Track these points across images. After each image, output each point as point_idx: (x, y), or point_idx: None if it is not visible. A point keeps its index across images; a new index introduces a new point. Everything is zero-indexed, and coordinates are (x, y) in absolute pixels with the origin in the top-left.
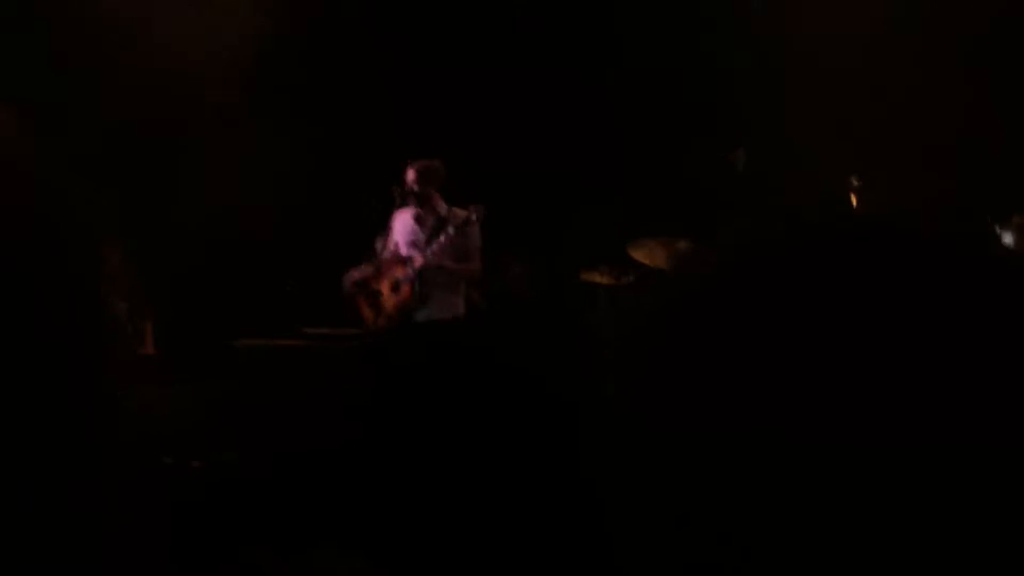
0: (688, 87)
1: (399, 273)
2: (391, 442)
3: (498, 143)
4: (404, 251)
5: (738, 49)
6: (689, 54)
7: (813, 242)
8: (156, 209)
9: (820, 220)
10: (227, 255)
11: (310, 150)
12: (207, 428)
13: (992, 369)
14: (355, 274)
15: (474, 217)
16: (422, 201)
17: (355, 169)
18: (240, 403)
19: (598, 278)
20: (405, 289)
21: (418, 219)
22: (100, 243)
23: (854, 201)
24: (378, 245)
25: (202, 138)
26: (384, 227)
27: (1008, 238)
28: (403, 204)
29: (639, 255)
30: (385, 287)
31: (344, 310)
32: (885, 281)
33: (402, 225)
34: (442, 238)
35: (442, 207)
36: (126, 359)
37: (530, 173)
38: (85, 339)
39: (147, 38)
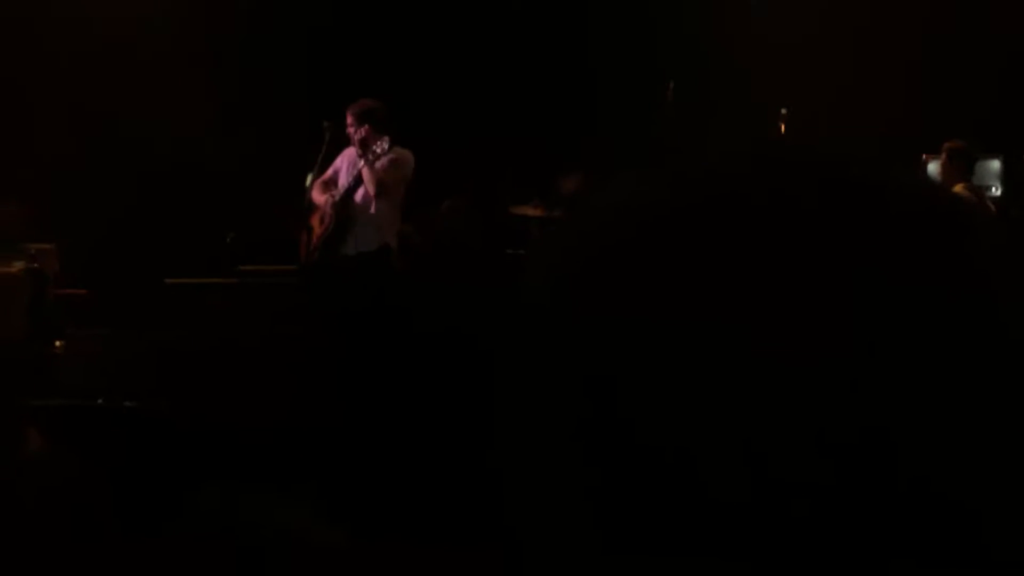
0: (620, 20)
1: (320, 200)
2: (321, 379)
3: (431, 82)
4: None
5: None
6: None
7: (745, 177)
8: (90, 152)
9: (755, 156)
10: (161, 196)
11: (244, 91)
12: (141, 369)
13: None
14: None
15: (388, 150)
16: (360, 141)
17: (290, 110)
18: (174, 344)
19: (529, 211)
20: (328, 219)
21: (358, 157)
22: None
23: (783, 132)
24: (308, 181)
25: (139, 77)
26: (315, 164)
27: (933, 166)
28: (332, 139)
29: (569, 186)
30: (315, 219)
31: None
32: (808, 217)
33: (342, 161)
34: (366, 171)
35: (378, 145)
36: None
37: (463, 110)
38: None
39: None
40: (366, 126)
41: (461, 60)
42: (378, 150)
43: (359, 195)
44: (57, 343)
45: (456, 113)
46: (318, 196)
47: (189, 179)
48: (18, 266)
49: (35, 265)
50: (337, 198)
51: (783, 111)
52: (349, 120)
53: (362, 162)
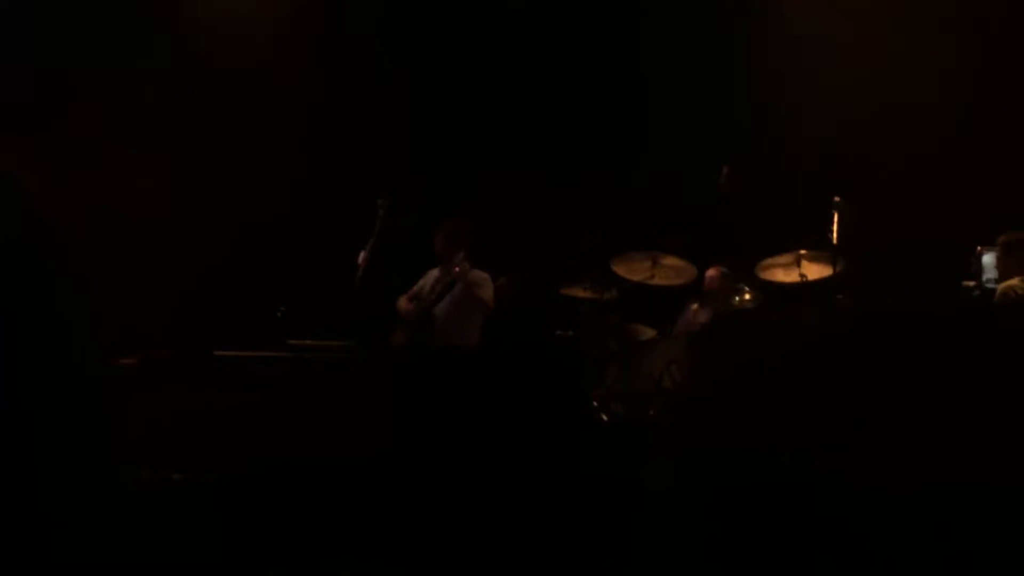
0: (673, 107)
1: (406, 309)
2: (386, 455)
3: (483, 158)
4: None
5: (724, 67)
6: (674, 70)
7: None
8: (140, 225)
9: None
10: (212, 268)
11: (297, 167)
12: (188, 440)
13: None
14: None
15: (481, 282)
16: (444, 259)
17: (343, 184)
18: (223, 415)
19: (580, 293)
20: (410, 329)
21: (441, 272)
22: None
23: (836, 221)
24: (360, 258)
25: (185, 156)
26: (368, 242)
27: (988, 258)
28: (386, 216)
29: (621, 269)
30: (400, 330)
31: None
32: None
33: (426, 279)
34: (448, 297)
35: (459, 267)
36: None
37: (514, 187)
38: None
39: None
40: (452, 247)
41: (523, 139)
42: (457, 273)
43: (440, 309)
44: None
45: (512, 192)
46: (405, 306)
47: (240, 252)
48: None
49: None
50: (419, 310)
51: (836, 199)
52: (438, 238)
53: (453, 280)
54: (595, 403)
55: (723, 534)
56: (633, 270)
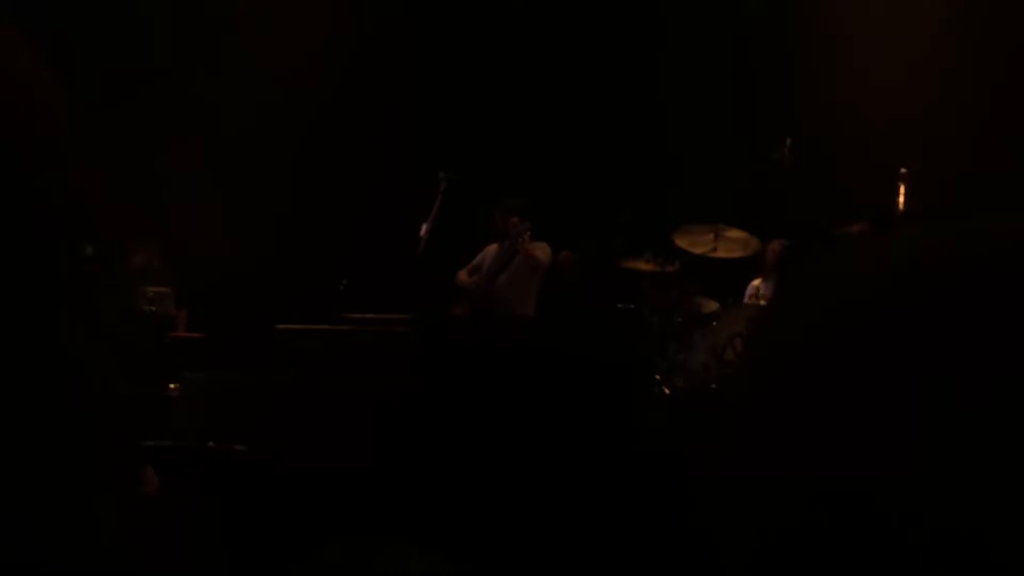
0: (734, 75)
1: (467, 282)
2: (447, 429)
3: (544, 132)
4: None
5: (785, 40)
6: (734, 43)
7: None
8: (204, 200)
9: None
10: (276, 242)
11: (360, 142)
12: (252, 414)
13: None
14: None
15: (540, 255)
16: (502, 235)
17: (404, 158)
18: (285, 389)
19: (642, 265)
20: (474, 300)
21: (501, 246)
22: (91, 221)
23: (902, 192)
24: (422, 231)
25: (252, 132)
26: (431, 214)
27: None
28: (447, 188)
29: (683, 242)
30: (461, 303)
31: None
32: None
33: (485, 254)
34: (508, 269)
35: (516, 242)
36: (133, 348)
37: (574, 161)
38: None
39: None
40: (515, 218)
41: (576, 115)
42: (514, 246)
43: (500, 281)
44: (172, 385)
45: (569, 166)
46: (465, 279)
47: (304, 225)
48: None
49: (153, 308)
50: (480, 282)
51: (903, 170)
52: (499, 215)
53: (514, 249)
54: (657, 376)
55: (786, 522)
56: (695, 242)
